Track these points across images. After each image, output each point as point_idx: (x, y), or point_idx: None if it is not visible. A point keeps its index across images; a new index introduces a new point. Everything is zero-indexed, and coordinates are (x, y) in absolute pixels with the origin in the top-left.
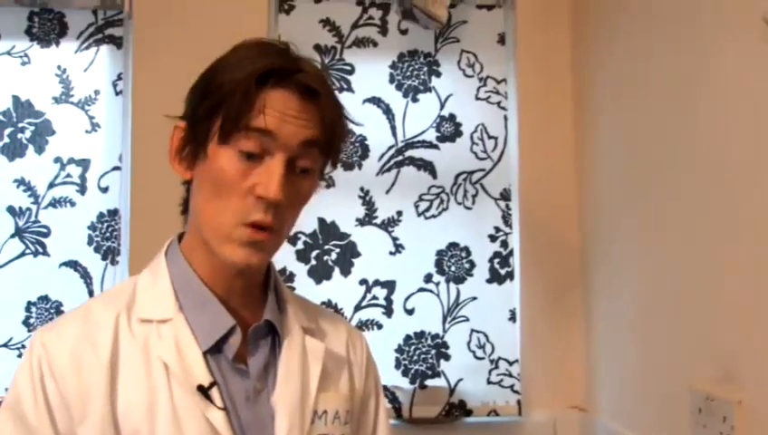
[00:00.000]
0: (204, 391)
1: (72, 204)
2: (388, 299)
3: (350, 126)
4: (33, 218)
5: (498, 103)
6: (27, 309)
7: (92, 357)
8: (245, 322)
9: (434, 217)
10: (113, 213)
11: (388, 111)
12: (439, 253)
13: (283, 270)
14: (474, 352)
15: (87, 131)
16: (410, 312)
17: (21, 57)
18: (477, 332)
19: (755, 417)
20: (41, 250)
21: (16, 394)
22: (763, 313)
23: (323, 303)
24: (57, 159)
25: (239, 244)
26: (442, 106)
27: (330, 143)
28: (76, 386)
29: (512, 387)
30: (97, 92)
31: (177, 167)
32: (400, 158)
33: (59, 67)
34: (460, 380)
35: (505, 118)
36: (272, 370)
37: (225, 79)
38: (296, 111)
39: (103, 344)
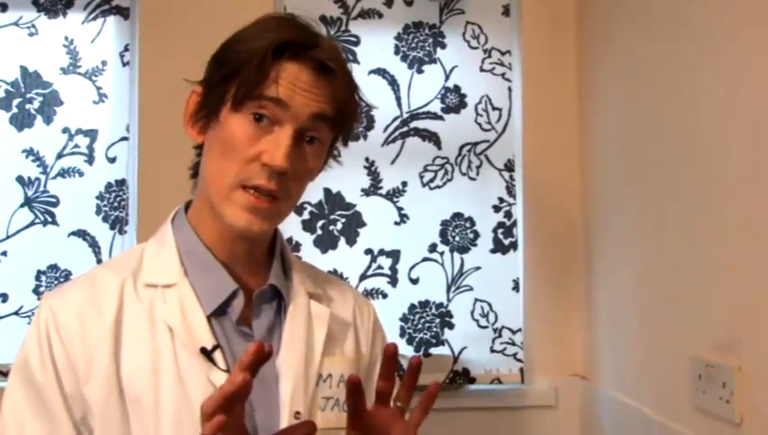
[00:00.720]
0: (207, 353)
1: (81, 174)
2: (393, 268)
3: (362, 105)
4: (41, 188)
5: (503, 75)
6: (37, 278)
7: (97, 320)
8: (251, 287)
9: (438, 187)
10: (121, 183)
11: (393, 83)
12: (444, 223)
13: (290, 240)
14: (477, 320)
15: (95, 102)
16: (415, 281)
17: (28, 28)
18: (481, 301)
19: (754, 382)
20: (50, 220)
21: (25, 356)
22: (762, 280)
23: (329, 272)
24: (65, 130)
25: (241, 207)
26: (447, 77)
27: (340, 120)
28: (81, 348)
29: (515, 355)
30: (104, 63)
31: (190, 130)
32: (405, 129)
33: (66, 38)
34: (464, 348)
35: (509, 89)
36: (276, 333)
37: (242, 47)
38: (309, 84)
39: (108, 308)
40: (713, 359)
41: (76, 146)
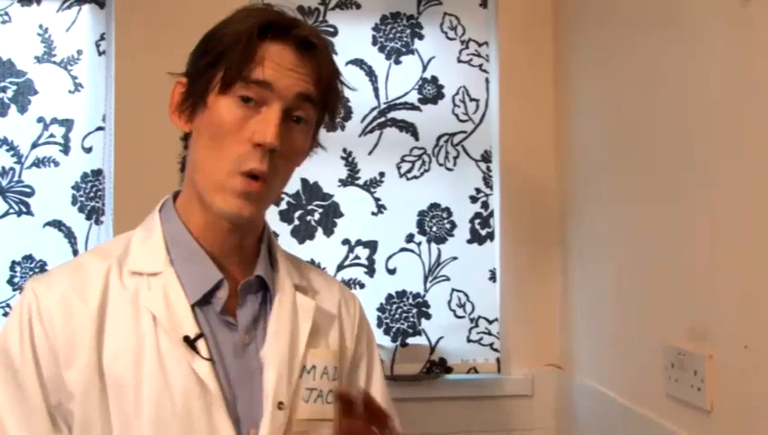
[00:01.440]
0: (190, 342)
1: (56, 164)
2: (371, 259)
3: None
4: (16, 178)
5: (480, 66)
6: (12, 268)
7: (81, 305)
8: (237, 278)
9: (416, 178)
10: (97, 173)
11: (370, 73)
12: (421, 213)
13: None
14: (454, 310)
15: (70, 91)
16: (392, 271)
17: (1, 16)
18: (458, 291)
19: (724, 370)
20: (25, 210)
21: (4, 340)
22: (732, 271)
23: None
24: (40, 119)
25: (232, 193)
26: (424, 68)
27: (324, 97)
28: (64, 332)
29: (491, 345)
30: (80, 52)
31: (176, 120)
32: (383, 119)
33: (40, 26)
34: (441, 338)
35: (487, 80)
36: (261, 324)
37: (225, 32)
38: (293, 63)
39: (93, 294)
40: (684, 347)
41: (51, 136)
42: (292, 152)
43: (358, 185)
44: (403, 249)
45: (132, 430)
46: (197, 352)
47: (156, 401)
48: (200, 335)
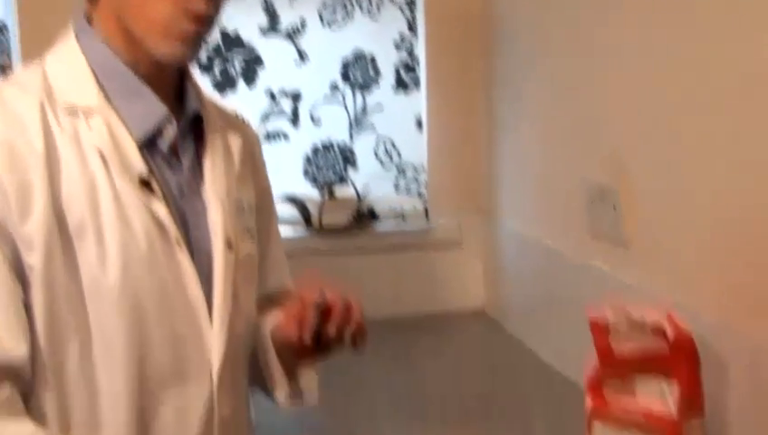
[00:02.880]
0: (145, 182)
1: None
2: (295, 109)
3: None
4: None
5: None
6: None
7: (25, 146)
8: (172, 113)
9: (338, 25)
10: (1, 28)
11: None
12: (345, 62)
13: None
14: (381, 160)
15: None
16: (317, 121)
17: None
18: (384, 140)
19: (639, 202)
20: None
21: None
22: (645, 110)
23: None
24: None
25: (178, 37)
26: None
27: None
28: (13, 176)
29: (418, 193)
30: None
31: None
32: None
33: None
34: (368, 187)
35: None
36: (197, 163)
37: None
38: None
39: (34, 132)
40: (604, 182)
41: None
42: None
43: (279, 34)
44: (328, 99)
45: (100, 276)
46: (154, 193)
47: (122, 245)
48: (152, 175)
